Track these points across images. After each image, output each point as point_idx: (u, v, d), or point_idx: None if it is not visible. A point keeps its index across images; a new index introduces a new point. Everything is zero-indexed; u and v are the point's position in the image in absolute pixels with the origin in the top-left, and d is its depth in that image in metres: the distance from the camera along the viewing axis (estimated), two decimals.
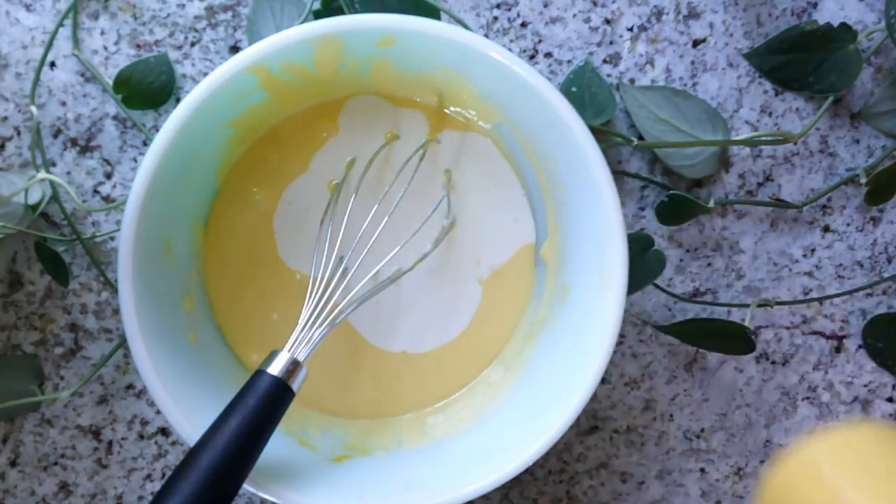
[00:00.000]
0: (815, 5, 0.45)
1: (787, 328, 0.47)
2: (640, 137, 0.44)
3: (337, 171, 0.44)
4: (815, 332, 0.47)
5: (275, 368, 0.36)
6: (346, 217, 0.42)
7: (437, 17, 0.42)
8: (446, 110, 0.44)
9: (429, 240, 0.43)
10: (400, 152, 0.44)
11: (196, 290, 0.43)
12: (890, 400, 0.47)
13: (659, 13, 0.45)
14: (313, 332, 0.38)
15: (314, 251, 0.43)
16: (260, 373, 0.36)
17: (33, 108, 0.43)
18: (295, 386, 0.36)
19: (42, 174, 0.42)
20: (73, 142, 0.44)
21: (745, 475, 0.47)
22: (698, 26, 0.45)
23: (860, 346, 0.47)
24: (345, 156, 0.44)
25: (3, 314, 0.45)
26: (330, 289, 0.40)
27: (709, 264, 0.46)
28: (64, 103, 0.44)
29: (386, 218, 0.41)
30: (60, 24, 0.43)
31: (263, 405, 0.35)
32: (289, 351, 0.37)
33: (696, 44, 0.45)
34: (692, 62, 0.45)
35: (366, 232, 0.41)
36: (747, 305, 0.46)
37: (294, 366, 0.36)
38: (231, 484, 0.34)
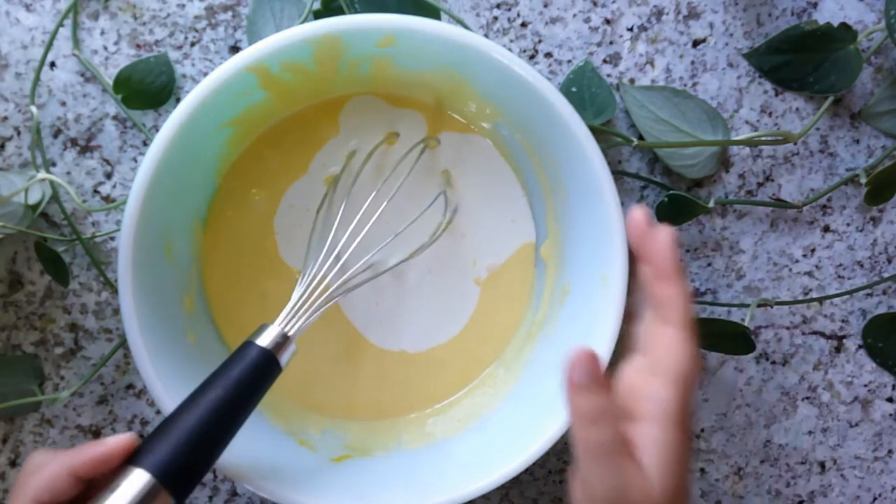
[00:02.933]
0: (815, 5, 0.45)
1: (787, 328, 0.47)
2: (640, 137, 0.44)
3: (335, 173, 0.44)
4: (815, 332, 0.47)
5: (264, 340, 0.35)
6: (342, 206, 0.42)
7: (437, 17, 0.42)
8: (446, 111, 0.44)
9: (428, 236, 0.43)
10: (400, 153, 0.44)
11: (196, 290, 0.43)
12: (890, 400, 0.47)
13: (659, 13, 0.45)
14: (305, 310, 0.37)
15: (310, 236, 0.42)
16: (248, 344, 0.35)
17: (33, 108, 0.43)
18: (283, 360, 0.36)
19: (42, 174, 0.42)
20: (73, 142, 0.44)
21: (745, 475, 0.47)
22: (698, 26, 0.45)
23: (860, 346, 0.47)
24: (344, 157, 0.44)
25: (3, 314, 0.45)
26: (324, 270, 0.39)
27: (709, 264, 0.46)
28: (64, 103, 0.44)
29: (385, 202, 0.41)
30: (60, 24, 0.43)
31: (248, 376, 0.34)
32: (279, 325, 0.36)
33: (696, 44, 0.45)
34: (692, 62, 0.45)
35: (362, 220, 0.41)
36: (747, 305, 0.46)
37: (283, 339, 0.36)
38: (207, 452, 0.33)
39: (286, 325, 0.36)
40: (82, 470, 0.31)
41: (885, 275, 0.47)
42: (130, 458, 0.31)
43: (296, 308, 0.37)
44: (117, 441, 0.32)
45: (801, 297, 0.46)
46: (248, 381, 0.34)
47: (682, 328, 0.34)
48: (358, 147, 0.44)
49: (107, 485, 0.30)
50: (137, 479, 0.30)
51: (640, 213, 0.35)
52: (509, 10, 0.45)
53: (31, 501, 0.31)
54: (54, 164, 0.44)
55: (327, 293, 0.39)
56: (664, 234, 0.34)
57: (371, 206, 0.41)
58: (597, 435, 0.32)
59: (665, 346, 0.34)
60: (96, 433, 0.45)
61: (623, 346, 0.43)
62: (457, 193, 0.44)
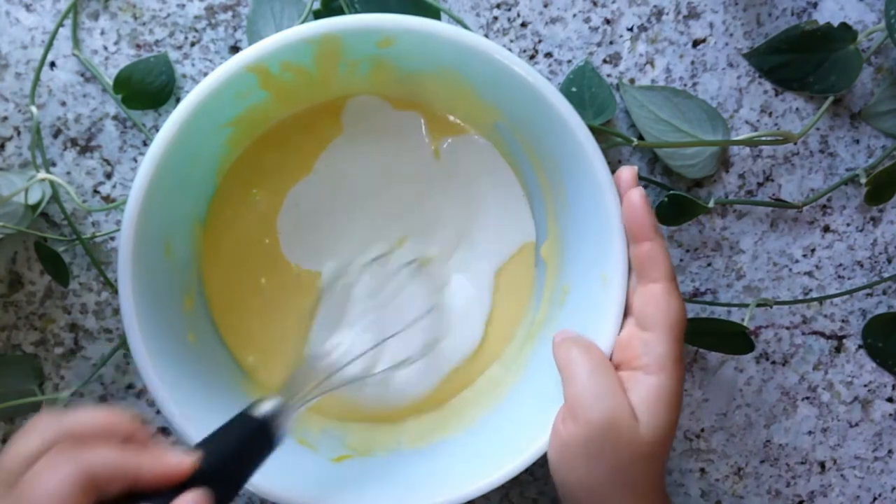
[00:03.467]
0: (815, 5, 0.45)
1: (787, 328, 0.47)
2: (640, 137, 0.44)
3: (340, 173, 0.44)
4: (815, 332, 0.47)
5: (262, 412, 0.34)
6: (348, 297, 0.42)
7: (437, 17, 0.42)
8: (446, 111, 0.44)
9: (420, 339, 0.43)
10: (404, 159, 0.44)
11: (196, 290, 0.43)
12: (890, 400, 0.47)
13: (659, 13, 0.45)
14: (306, 392, 0.36)
15: (313, 313, 0.42)
16: (244, 415, 0.34)
17: (33, 108, 0.43)
18: (282, 433, 0.34)
19: (42, 174, 0.42)
20: (73, 142, 0.44)
21: (745, 475, 0.47)
22: (698, 26, 0.45)
23: (860, 346, 0.47)
24: (348, 157, 0.44)
25: (3, 314, 0.45)
26: (326, 357, 0.39)
27: (709, 264, 0.46)
28: (64, 103, 0.44)
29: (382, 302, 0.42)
30: (60, 24, 0.43)
31: (244, 451, 0.33)
32: (281, 396, 0.35)
33: (696, 44, 0.45)
34: (692, 62, 0.45)
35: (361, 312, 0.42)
36: (747, 305, 0.46)
37: (283, 410, 0.34)
38: None
39: (290, 398, 0.35)
40: (145, 485, 0.29)
41: (885, 275, 0.47)
42: None
43: (296, 385, 0.37)
44: (184, 464, 0.30)
45: (801, 297, 0.46)
46: (243, 456, 0.33)
47: (667, 282, 0.36)
48: (361, 152, 0.44)
49: None
50: None
51: (627, 172, 0.36)
52: (509, 10, 0.45)
53: (83, 483, 0.27)
54: (54, 164, 0.44)
55: (325, 381, 0.38)
56: (635, 197, 0.36)
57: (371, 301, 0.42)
58: (595, 352, 0.36)
59: (654, 301, 0.36)
60: None
61: None
62: (458, 193, 0.44)
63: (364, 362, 0.41)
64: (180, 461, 0.30)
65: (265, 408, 0.34)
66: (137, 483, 0.29)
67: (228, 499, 0.32)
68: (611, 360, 0.37)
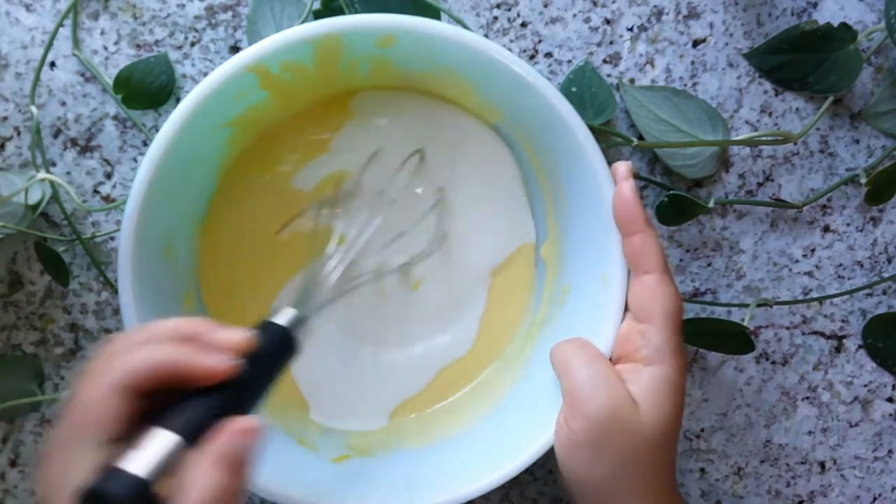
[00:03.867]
0: (815, 5, 0.45)
1: (787, 328, 0.47)
2: (640, 137, 0.44)
3: (338, 170, 0.44)
4: (815, 332, 0.47)
5: (282, 319, 0.34)
6: (351, 218, 0.43)
7: (437, 17, 0.42)
8: (446, 111, 0.44)
9: (426, 243, 0.43)
10: (394, 159, 0.44)
11: (196, 290, 0.43)
12: (890, 400, 0.47)
13: (659, 13, 0.45)
14: (318, 296, 0.37)
15: (314, 236, 0.43)
16: (268, 323, 0.34)
17: (33, 108, 0.43)
18: (301, 340, 0.35)
19: (42, 174, 0.42)
20: (73, 142, 0.44)
21: (745, 475, 0.47)
22: (698, 26, 0.45)
23: (860, 346, 0.47)
24: (347, 156, 0.44)
25: (3, 314, 0.45)
26: (334, 265, 0.40)
27: (709, 264, 0.46)
28: (64, 103, 0.44)
29: (386, 207, 0.42)
30: (60, 24, 0.43)
31: (270, 353, 0.33)
32: (295, 307, 0.35)
33: (696, 44, 0.45)
34: (692, 62, 0.45)
35: (366, 225, 0.42)
36: (747, 305, 0.46)
37: (301, 320, 0.35)
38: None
39: (303, 308, 0.36)
40: (188, 380, 0.29)
41: (885, 275, 0.47)
42: (157, 420, 0.30)
43: (309, 294, 0.37)
44: (222, 367, 0.30)
45: (801, 297, 0.46)
46: (269, 358, 0.33)
47: (660, 272, 0.36)
48: (361, 152, 0.44)
49: (130, 442, 0.29)
50: (165, 440, 0.29)
51: (622, 167, 0.37)
52: (509, 10, 0.45)
53: (117, 387, 0.29)
54: (54, 164, 0.44)
55: (337, 283, 0.39)
56: (625, 189, 0.36)
57: (374, 211, 0.42)
58: (589, 348, 0.37)
59: (649, 292, 0.36)
60: None
61: None
62: (458, 193, 0.44)
63: (375, 261, 0.42)
64: (219, 364, 0.30)
65: (287, 316, 0.35)
66: (177, 378, 0.30)
67: (256, 402, 0.33)
68: (612, 356, 0.37)
